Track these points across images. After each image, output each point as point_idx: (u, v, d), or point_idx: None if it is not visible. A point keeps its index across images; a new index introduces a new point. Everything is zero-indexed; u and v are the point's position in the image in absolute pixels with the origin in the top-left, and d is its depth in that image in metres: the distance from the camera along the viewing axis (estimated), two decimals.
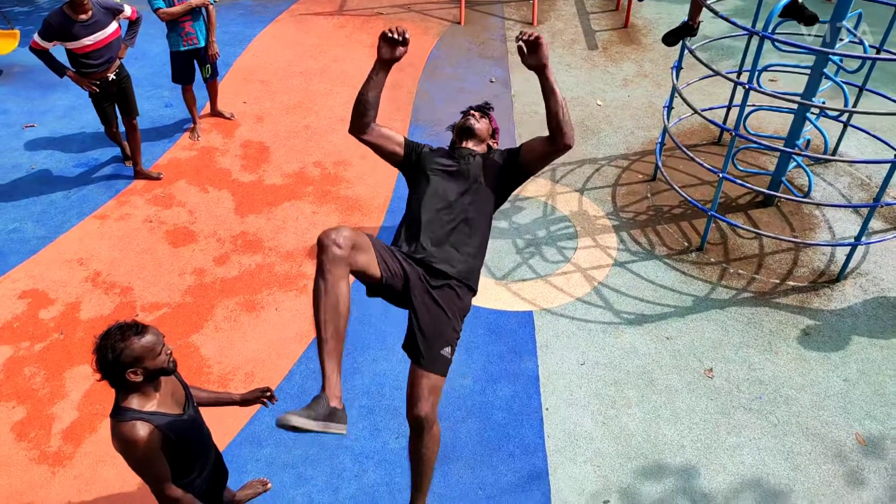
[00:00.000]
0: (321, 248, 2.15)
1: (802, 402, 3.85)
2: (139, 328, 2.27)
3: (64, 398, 3.91)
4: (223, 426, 3.63)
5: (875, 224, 5.09)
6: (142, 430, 2.24)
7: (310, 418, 1.96)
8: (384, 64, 2.58)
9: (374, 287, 2.45)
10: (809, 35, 4.41)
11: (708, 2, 4.50)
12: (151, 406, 2.32)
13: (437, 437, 2.44)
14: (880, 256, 4.83)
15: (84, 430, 3.74)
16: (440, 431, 2.47)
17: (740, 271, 4.72)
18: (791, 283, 4.63)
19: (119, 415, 2.27)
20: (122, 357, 2.21)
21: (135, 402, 2.29)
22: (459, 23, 8.17)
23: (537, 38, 2.45)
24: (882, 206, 5.08)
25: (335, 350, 2.12)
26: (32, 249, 4.94)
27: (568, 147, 2.54)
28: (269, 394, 2.87)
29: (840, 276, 4.63)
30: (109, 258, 4.87)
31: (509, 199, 5.34)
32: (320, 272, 2.15)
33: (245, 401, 2.88)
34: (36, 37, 4.82)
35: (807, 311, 4.42)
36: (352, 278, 2.24)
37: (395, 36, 2.52)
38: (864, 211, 5.04)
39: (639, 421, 3.77)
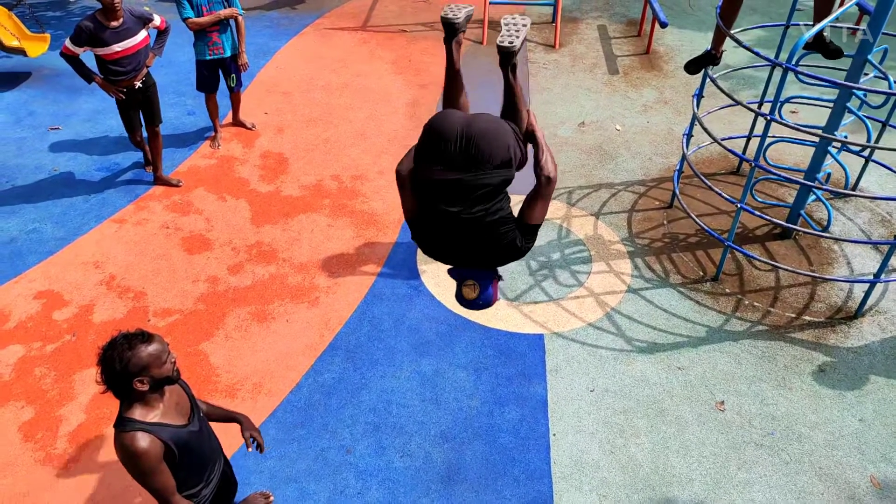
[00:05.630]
0: None
1: (816, 441, 3.78)
2: (145, 336, 2.26)
3: (72, 400, 3.92)
4: (227, 437, 3.59)
5: (895, 262, 5.01)
6: (144, 441, 2.22)
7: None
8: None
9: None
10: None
11: (732, 32, 4.50)
12: (155, 416, 2.30)
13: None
14: None
15: (90, 433, 3.75)
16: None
17: (755, 303, 4.66)
18: (807, 317, 4.56)
19: (122, 425, 2.26)
20: (131, 366, 2.20)
21: (138, 413, 2.27)
22: (481, 42, 8.22)
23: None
24: None
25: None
26: (50, 250, 5.00)
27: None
28: (255, 443, 2.84)
29: (858, 313, 4.56)
30: (125, 262, 4.91)
31: None
32: None
33: (242, 429, 2.85)
34: (67, 42, 4.92)
35: (822, 347, 4.35)
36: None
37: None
38: (885, 247, 4.97)
39: (647, 451, 3.71)
